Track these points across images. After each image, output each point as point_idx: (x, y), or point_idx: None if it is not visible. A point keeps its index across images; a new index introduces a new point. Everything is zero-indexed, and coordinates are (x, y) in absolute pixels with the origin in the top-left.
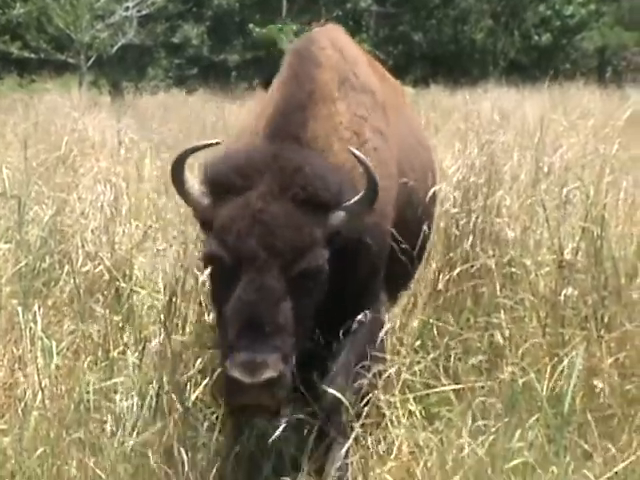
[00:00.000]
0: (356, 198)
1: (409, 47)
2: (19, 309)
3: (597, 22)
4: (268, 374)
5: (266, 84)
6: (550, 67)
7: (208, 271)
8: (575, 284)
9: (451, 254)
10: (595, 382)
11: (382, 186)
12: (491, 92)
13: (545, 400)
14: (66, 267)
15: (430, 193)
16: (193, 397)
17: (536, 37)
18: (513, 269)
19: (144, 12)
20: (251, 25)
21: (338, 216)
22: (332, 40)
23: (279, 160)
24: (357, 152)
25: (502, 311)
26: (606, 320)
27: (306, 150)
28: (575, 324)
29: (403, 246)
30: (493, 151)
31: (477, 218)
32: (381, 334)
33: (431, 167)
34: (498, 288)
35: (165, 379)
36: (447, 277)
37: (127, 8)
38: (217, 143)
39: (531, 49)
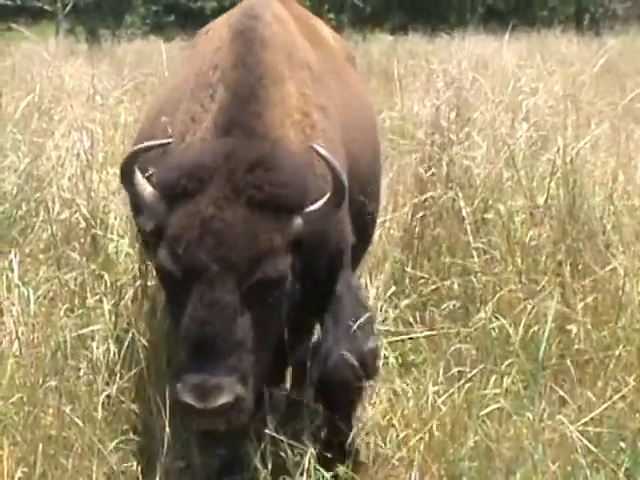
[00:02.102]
0: (323, 200)
1: None
2: None
3: None
4: (223, 399)
5: None
6: (528, 14)
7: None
8: (550, 230)
9: (423, 197)
10: (569, 328)
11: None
12: (469, 39)
13: (520, 346)
14: (42, 214)
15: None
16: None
17: None
18: (487, 215)
19: None
20: None
21: (301, 219)
22: (274, 12)
23: (232, 158)
24: (320, 149)
25: (476, 256)
26: (580, 266)
27: (262, 144)
28: (549, 270)
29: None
30: (463, 94)
31: (449, 162)
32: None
33: (373, 129)
34: (471, 234)
35: (140, 326)
36: (420, 221)
37: None
38: (169, 143)
39: None
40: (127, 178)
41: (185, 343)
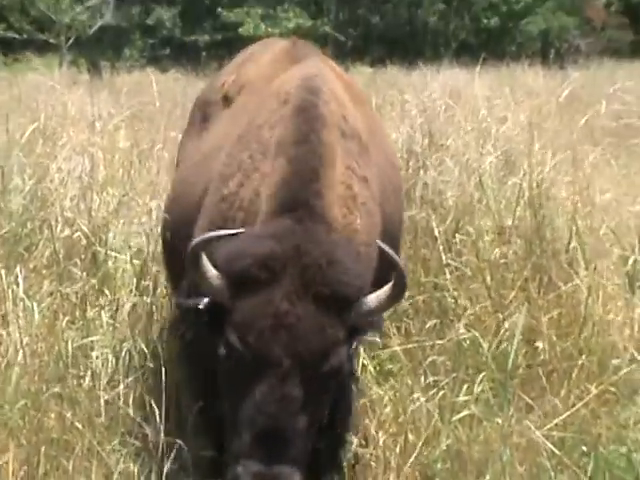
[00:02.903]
0: (382, 294)
1: (367, 29)
2: (2, 272)
3: (541, 7)
4: None
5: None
6: (498, 49)
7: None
8: (517, 249)
9: None
10: (536, 340)
11: (370, 241)
12: (443, 72)
13: (490, 357)
14: (46, 233)
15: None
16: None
17: (485, 20)
18: (458, 234)
19: None
20: (220, 9)
21: (360, 311)
22: (331, 87)
23: (302, 253)
24: (383, 246)
25: (448, 273)
26: (545, 282)
27: (328, 237)
28: (516, 286)
29: None
30: (436, 122)
31: (424, 185)
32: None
33: (400, 186)
34: (443, 252)
35: (137, 337)
36: None
37: None
38: (237, 234)
39: (480, 32)
40: (193, 260)
41: (249, 430)
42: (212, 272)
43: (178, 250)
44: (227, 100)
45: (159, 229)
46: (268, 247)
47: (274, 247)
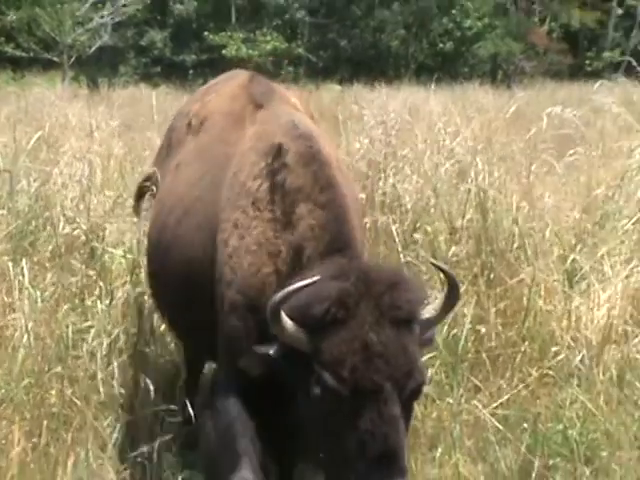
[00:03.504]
0: (438, 305)
1: (336, 51)
2: (10, 264)
3: (490, 33)
4: None
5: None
6: (452, 70)
7: (321, 402)
8: (467, 247)
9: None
10: (483, 328)
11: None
12: (403, 89)
13: (442, 343)
14: (49, 230)
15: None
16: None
17: (441, 45)
18: (415, 235)
19: (117, 19)
20: (206, 32)
21: (422, 324)
22: (314, 129)
23: (370, 284)
24: (440, 264)
25: (406, 269)
26: (492, 277)
27: (384, 267)
28: (467, 281)
29: None
30: (397, 135)
31: (384, 191)
32: None
33: (358, 198)
34: (401, 250)
35: (129, 322)
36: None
37: (102, 16)
38: (314, 282)
39: (436, 55)
40: (274, 317)
41: (364, 456)
42: (290, 324)
43: (174, 294)
44: (190, 127)
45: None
46: (337, 287)
47: (342, 285)
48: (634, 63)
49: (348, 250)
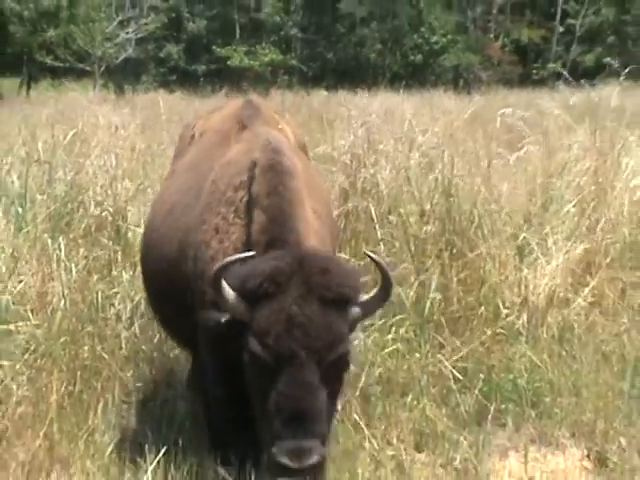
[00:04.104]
0: (373, 294)
1: (324, 63)
2: (49, 241)
3: (453, 48)
4: (313, 459)
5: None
6: (421, 78)
7: (248, 365)
8: (434, 227)
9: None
10: (447, 294)
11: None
12: (380, 95)
13: (412, 307)
14: (81, 212)
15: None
16: None
17: (411, 57)
18: (390, 216)
19: (139, 35)
20: (214, 46)
21: (356, 311)
22: (287, 146)
23: (303, 265)
24: (373, 255)
25: (382, 245)
26: (455, 252)
27: (321, 252)
28: (433, 255)
29: None
30: (374, 132)
31: (364, 179)
32: None
33: (331, 207)
34: (378, 229)
35: None
36: (345, 220)
37: (127, 32)
38: (252, 256)
39: (408, 65)
40: (215, 286)
41: (278, 415)
42: (231, 293)
43: (155, 286)
44: (192, 139)
45: None
46: (273, 265)
47: (277, 264)
48: (567, 76)
49: (284, 246)
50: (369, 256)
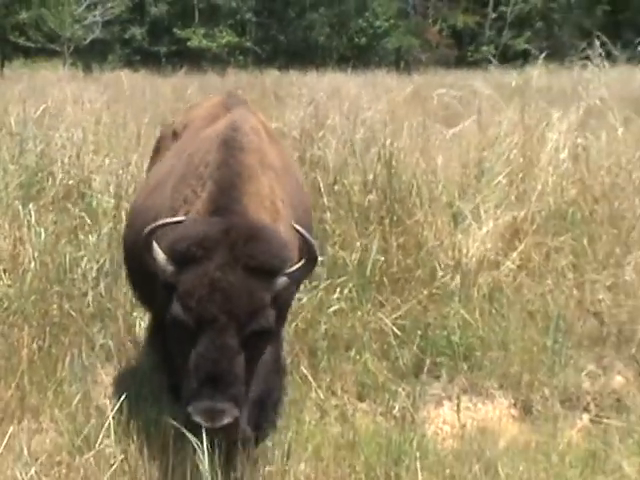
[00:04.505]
0: (297, 265)
1: (276, 45)
2: (20, 207)
3: (395, 31)
4: (226, 420)
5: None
6: (365, 60)
7: (171, 325)
8: (376, 196)
9: None
10: (388, 258)
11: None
12: (328, 75)
13: (355, 269)
14: (51, 181)
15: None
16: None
17: (357, 40)
18: (336, 186)
19: (106, 18)
20: (175, 29)
21: (282, 281)
22: (251, 126)
23: (231, 233)
24: (298, 227)
25: (329, 212)
26: (395, 219)
27: (253, 221)
28: (375, 221)
29: None
30: (321, 109)
31: (312, 154)
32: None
33: (309, 206)
34: (326, 198)
35: (113, 251)
36: None
37: (95, 15)
38: (181, 221)
39: (353, 48)
40: (146, 246)
41: (196, 375)
42: (161, 255)
43: (135, 267)
44: (175, 135)
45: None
46: (202, 230)
47: (207, 230)
48: (492, 59)
49: (228, 213)
50: (296, 229)
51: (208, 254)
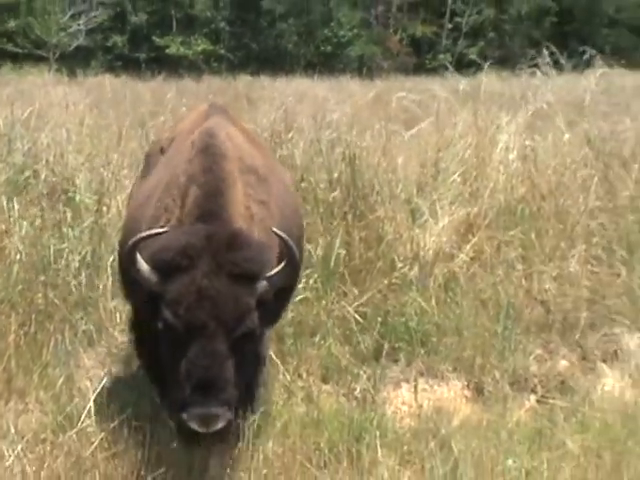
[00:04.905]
0: (278, 269)
1: (248, 52)
2: (5, 202)
3: (358, 40)
4: (220, 424)
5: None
6: (331, 67)
7: (161, 333)
8: (340, 193)
9: None
10: (350, 250)
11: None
12: (296, 81)
13: (320, 261)
14: (36, 178)
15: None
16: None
17: (323, 48)
18: (302, 184)
19: (90, 26)
20: (154, 37)
21: (264, 284)
22: (227, 132)
23: (212, 241)
24: (279, 232)
25: None
26: (358, 214)
27: (233, 229)
28: (339, 217)
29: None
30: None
31: (281, 155)
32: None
33: (297, 207)
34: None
35: (94, 244)
36: None
37: (79, 24)
38: (165, 232)
39: (320, 55)
40: (130, 258)
41: (187, 382)
42: (144, 266)
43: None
44: (162, 150)
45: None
46: (185, 240)
47: (189, 239)
48: (449, 66)
49: (213, 219)
50: (276, 234)
51: (193, 262)
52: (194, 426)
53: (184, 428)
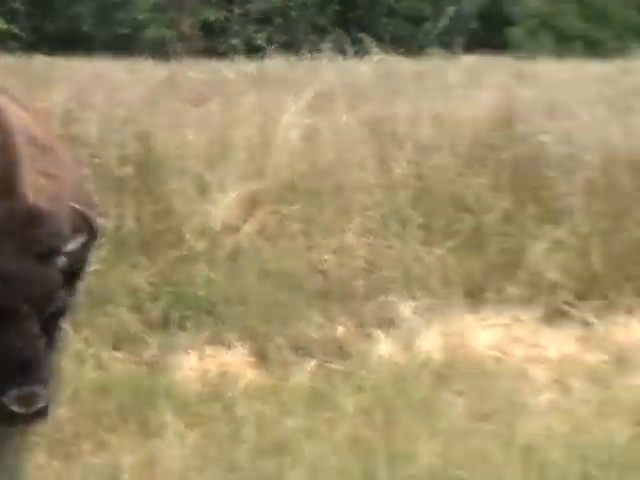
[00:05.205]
0: (80, 242)
1: (44, 33)
2: None
3: (154, 23)
4: (41, 403)
5: None
6: (128, 49)
7: None
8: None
9: None
10: (141, 224)
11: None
12: (94, 62)
13: (112, 234)
14: None
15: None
16: None
17: (119, 30)
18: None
19: None
20: None
21: (64, 260)
22: (12, 110)
23: (15, 222)
24: (76, 206)
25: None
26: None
27: (30, 206)
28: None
29: None
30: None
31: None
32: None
33: (81, 176)
34: None
35: None
36: None
37: None
38: None
39: (117, 38)
40: None
41: (6, 366)
42: None
43: None
44: None
45: None
46: None
47: None
48: (238, 50)
49: (11, 198)
50: (73, 207)
51: None
52: (15, 408)
53: (5, 411)
